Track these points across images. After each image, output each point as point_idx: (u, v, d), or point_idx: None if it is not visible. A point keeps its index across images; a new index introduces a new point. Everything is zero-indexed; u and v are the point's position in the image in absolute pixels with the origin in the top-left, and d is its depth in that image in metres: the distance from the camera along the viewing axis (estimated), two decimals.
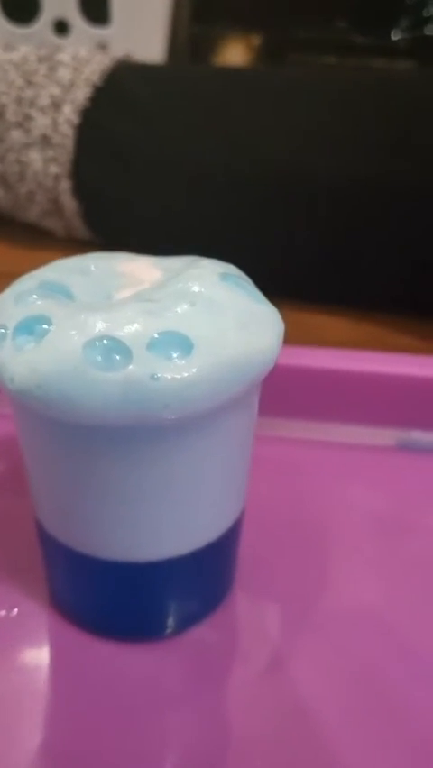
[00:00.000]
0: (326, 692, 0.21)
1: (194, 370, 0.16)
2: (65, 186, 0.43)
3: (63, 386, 0.16)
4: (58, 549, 0.21)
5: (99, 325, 0.17)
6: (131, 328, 0.17)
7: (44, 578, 0.24)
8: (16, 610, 0.23)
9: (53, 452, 0.19)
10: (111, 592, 0.22)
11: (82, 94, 0.41)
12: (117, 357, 0.16)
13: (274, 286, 0.21)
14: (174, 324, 0.17)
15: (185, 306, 0.17)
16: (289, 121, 0.39)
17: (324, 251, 0.38)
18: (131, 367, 0.16)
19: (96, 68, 0.42)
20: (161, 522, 0.20)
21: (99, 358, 0.16)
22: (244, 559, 0.24)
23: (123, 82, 0.42)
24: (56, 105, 0.41)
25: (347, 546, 0.26)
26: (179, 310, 0.17)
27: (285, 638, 0.23)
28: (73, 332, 0.17)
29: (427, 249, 0.36)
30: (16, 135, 0.42)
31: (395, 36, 0.54)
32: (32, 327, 0.17)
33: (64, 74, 0.42)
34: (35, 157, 0.42)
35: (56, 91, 0.41)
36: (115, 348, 0.16)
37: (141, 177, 0.41)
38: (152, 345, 0.17)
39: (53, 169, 0.42)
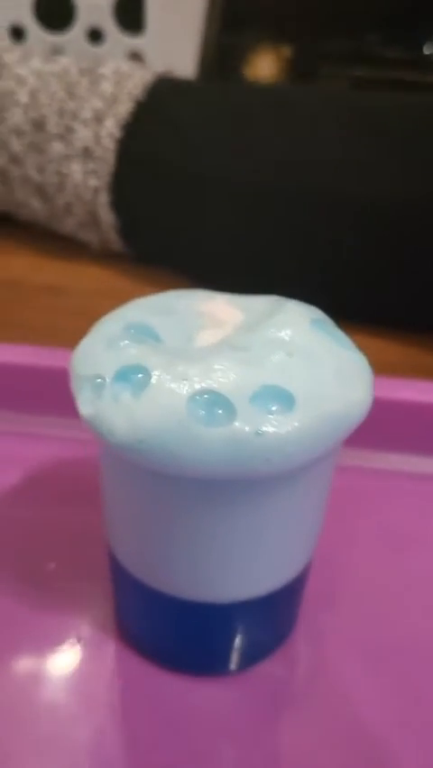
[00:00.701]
0: (394, 731, 0.21)
1: (296, 425, 0.16)
2: (103, 199, 0.42)
3: (167, 441, 0.16)
4: (132, 583, 0.21)
5: (200, 378, 0.16)
6: (232, 381, 0.16)
7: (111, 607, 0.24)
8: (83, 641, 0.23)
9: (142, 497, 0.18)
10: (183, 629, 0.21)
11: (124, 108, 0.40)
12: (220, 411, 0.16)
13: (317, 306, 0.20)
14: (273, 376, 0.16)
15: (281, 356, 0.17)
16: (331, 140, 0.38)
17: (369, 270, 0.38)
18: (236, 423, 0.16)
19: (137, 82, 0.41)
20: (243, 567, 0.19)
21: (202, 413, 0.16)
22: (308, 593, 0.23)
23: (164, 98, 0.41)
24: (98, 119, 0.41)
25: (413, 578, 0.26)
26: (275, 360, 0.17)
27: (349, 674, 0.23)
28: (174, 385, 0.16)
29: None
30: (57, 147, 0.41)
31: (427, 50, 0.53)
32: (128, 376, 0.17)
33: (106, 87, 0.41)
34: (76, 169, 0.41)
35: (98, 104, 0.41)
36: (218, 402, 0.16)
37: (180, 195, 0.41)
38: (253, 399, 0.16)
39: (93, 181, 0.42)
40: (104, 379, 0.17)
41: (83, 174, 0.41)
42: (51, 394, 0.28)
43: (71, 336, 0.40)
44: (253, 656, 0.22)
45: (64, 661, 0.23)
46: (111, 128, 0.40)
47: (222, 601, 0.20)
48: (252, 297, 0.21)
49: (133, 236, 0.44)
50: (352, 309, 0.37)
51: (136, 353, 0.17)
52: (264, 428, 0.16)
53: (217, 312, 0.20)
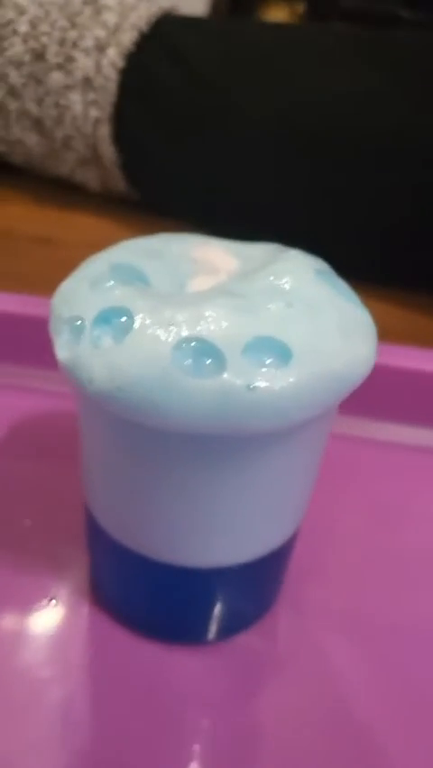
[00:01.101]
0: (376, 704, 0.20)
1: (292, 381, 0.14)
2: (104, 131, 0.39)
3: (149, 391, 0.14)
4: (110, 545, 0.19)
5: (188, 324, 0.15)
6: (223, 329, 0.15)
7: (87, 569, 0.22)
8: (54, 601, 0.22)
9: (123, 452, 0.17)
10: (160, 594, 0.20)
11: (128, 38, 0.38)
12: (208, 361, 0.14)
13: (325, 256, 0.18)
14: (270, 327, 0.15)
15: (280, 306, 0.15)
16: (349, 73, 0.36)
17: (387, 211, 0.36)
18: (225, 375, 0.14)
19: (142, 14, 0.39)
20: (227, 530, 0.18)
21: (189, 361, 0.14)
22: (291, 568, 0.22)
23: (169, 30, 0.39)
24: (100, 48, 0.38)
25: (400, 551, 0.24)
26: (272, 309, 0.15)
27: (329, 648, 0.21)
28: (159, 331, 0.14)
29: None
30: (57, 77, 0.39)
31: None
32: (110, 319, 0.15)
33: (109, 17, 0.39)
34: (75, 99, 0.39)
35: (101, 33, 0.38)
36: (207, 351, 0.14)
37: (184, 129, 0.39)
38: (246, 350, 0.14)
39: (94, 112, 0.39)
40: (83, 321, 0.15)
41: (83, 105, 0.39)
42: (32, 344, 0.26)
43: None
44: (232, 627, 0.21)
45: (36, 621, 0.21)
46: (113, 57, 0.38)
47: (203, 566, 0.18)
48: (249, 244, 0.19)
49: (136, 172, 0.41)
50: (364, 262, 0.35)
51: (120, 295, 0.16)
52: (257, 382, 0.14)
53: (211, 258, 0.19)
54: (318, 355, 0.15)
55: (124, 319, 0.15)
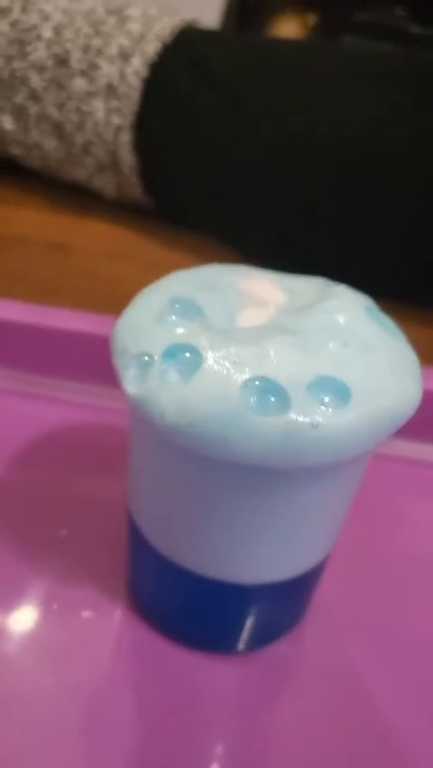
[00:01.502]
0: (404, 712, 0.21)
1: (352, 419, 0.15)
2: (125, 138, 0.40)
3: (219, 428, 0.15)
4: (154, 557, 0.20)
5: (253, 363, 0.15)
6: (286, 369, 0.15)
7: (122, 575, 0.23)
8: (92, 608, 0.22)
9: (178, 476, 0.17)
10: (203, 606, 0.21)
11: (152, 48, 0.38)
12: (273, 399, 0.15)
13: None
14: (329, 367, 0.16)
15: (337, 345, 0.16)
16: (365, 90, 0.37)
17: (398, 224, 0.36)
18: (291, 413, 0.15)
19: (165, 25, 0.39)
20: (273, 551, 0.18)
21: (254, 399, 0.15)
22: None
23: (193, 42, 0.39)
24: (124, 56, 0.39)
25: (426, 563, 0.25)
26: (331, 349, 0.16)
27: (357, 656, 0.22)
28: (227, 369, 0.15)
29: None
30: (80, 83, 0.39)
31: None
32: (175, 354, 0.16)
33: (133, 27, 0.39)
34: (98, 106, 0.39)
35: (125, 42, 0.39)
36: (272, 390, 0.15)
37: (205, 139, 0.39)
38: (309, 389, 0.15)
39: (116, 119, 0.40)
40: (152, 357, 0.16)
41: (105, 111, 0.39)
42: (52, 354, 0.27)
43: (76, 296, 0.38)
44: (264, 638, 0.22)
45: (74, 629, 0.22)
46: (137, 66, 0.38)
47: (246, 582, 0.19)
48: (294, 276, 0.20)
49: (154, 180, 0.42)
50: (386, 278, 0.36)
51: (185, 331, 0.16)
52: (320, 420, 0.15)
53: (258, 291, 0.19)
54: (373, 394, 0.16)
55: (188, 355, 0.16)
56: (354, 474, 0.18)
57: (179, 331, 0.16)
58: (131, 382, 0.16)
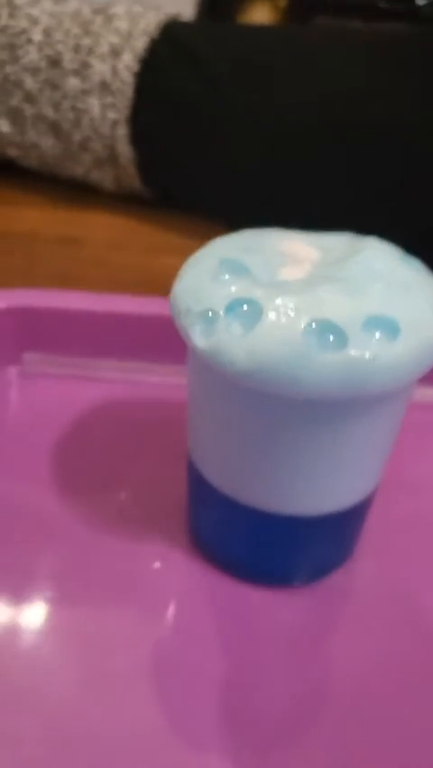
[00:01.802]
0: None
1: (402, 351, 0.17)
2: (122, 131, 0.41)
3: (287, 368, 0.16)
4: (216, 498, 0.21)
5: (310, 308, 0.17)
6: (340, 311, 0.17)
7: (183, 527, 0.25)
8: (159, 562, 0.24)
9: (241, 416, 0.19)
10: (265, 542, 0.22)
11: (141, 43, 0.40)
12: (332, 338, 0.17)
13: None
14: (378, 306, 0.17)
15: (381, 287, 0.18)
16: (353, 70, 0.38)
17: (396, 200, 0.38)
18: (350, 349, 0.16)
19: (151, 21, 0.40)
20: (329, 481, 0.20)
21: (315, 340, 0.17)
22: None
23: (180, 35, 0.41)
24: (115, 53, 0.40)
25: None
26: (376, 290, 0.17)
27: (413, 585, 0.24)
28: (288, 317, 0.17)
29: None
30: (74, 82, 0.40)
31: (420, 1, 0.53)
32: (236, 309, 0.17)
33: (121, 25, 0.40)
34: (93, 103, 0.41)
35: (115, 40, 0.40)
36: (330, 329, 0.17)
37: (199, 129, 0.40)
38: (363, 327, 0.17)
39: (111, 114, 0.41)
40: (216, 312, 0.17)
41: (101, 107, 0.41)
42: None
43: (90, 285, 0.39)
44: (320, 570, 0.24)
45: (146, 581, 0.23)
46: (128, 61, 0.40)
47: (305, 514, 0.21)
48: (323, 234, 0.21)
49: (152, 171, 0.43)
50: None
51: (240, 287, 0.18)
52: (376, 353, 0.16)
53: (295, 250, 0.21)
54: (418, 328, 0.17)
55: (246, 307, 0.17)
56: (400, 406, 0.19)
57: (235, 288, 0.18)
58: (199, 337, 0.18)
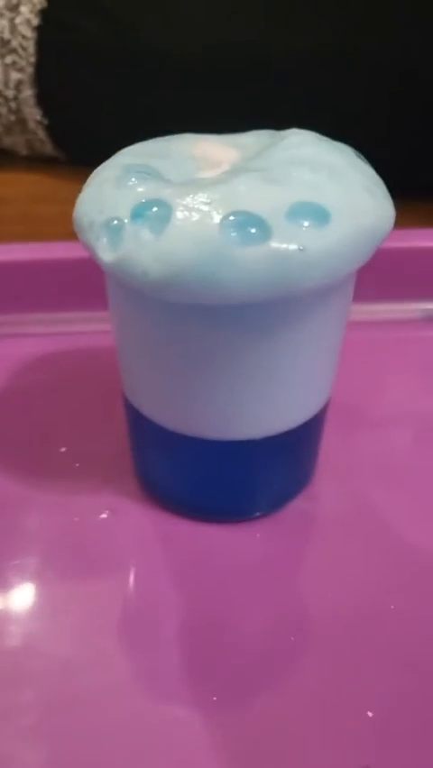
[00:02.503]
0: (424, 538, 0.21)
1: (336, 239, 0.15)
2: (27, 93, 0.38)
3: (205, 269, 0.14)
4: (160, 435, 0.19)
5: (226, 201, 0.14)
6: (261, 200, 0.14)
7: (130, 474, 0.22)
8: (109, 511, 0.22)
9: (164, 336, 0.17)
10: (218, 473, 0.20)
11: None
12: (253, 230, 0.14)
13: None
14: (304, 193, 0.15)
15: (306, 173, 0.15)
16: (259, 5, 0.35)
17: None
18: (274, 241, 0.14)
19: None
20: (265, 400, 0.18)
21: (234, 234, 0.14)
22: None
23: None
24: (12, 7, 0.36)
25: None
26: (301, 176, 0.15)
27: (376, 501, 0.22)
28: (202, 212, 0.14)
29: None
30: None
31: None
32: (144, 213, 0.15)
33: None
34: None
35: None
36: (251, 222, 0.14)
37: (111, 81, 0.37)
38: (288, 216, 0.14)
39: (15, 75, 0.37)
40: (121, 220, 0.15)
41: (3, 68, 0.37)
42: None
43: (12, 239, 0.36)
44: (281, 497, 0.22)
45: (100, 532, 0.21)
46: (27, 14, 0.36)
47: (256, 437, 0.19)
48: (240, 134, 0.19)
49: (61, 133, 0.40)
50: None
51: (147, 189, 0.15)
52: (306, 243, 0.14)
53: (211, 152, 0.18)
54: (351, 214, 0.15)
55: (156, 209, 0.15)
56: (340, 304, 0.17)
57: (141, 189, 0.15)
58: (105, 251, 0.15)
